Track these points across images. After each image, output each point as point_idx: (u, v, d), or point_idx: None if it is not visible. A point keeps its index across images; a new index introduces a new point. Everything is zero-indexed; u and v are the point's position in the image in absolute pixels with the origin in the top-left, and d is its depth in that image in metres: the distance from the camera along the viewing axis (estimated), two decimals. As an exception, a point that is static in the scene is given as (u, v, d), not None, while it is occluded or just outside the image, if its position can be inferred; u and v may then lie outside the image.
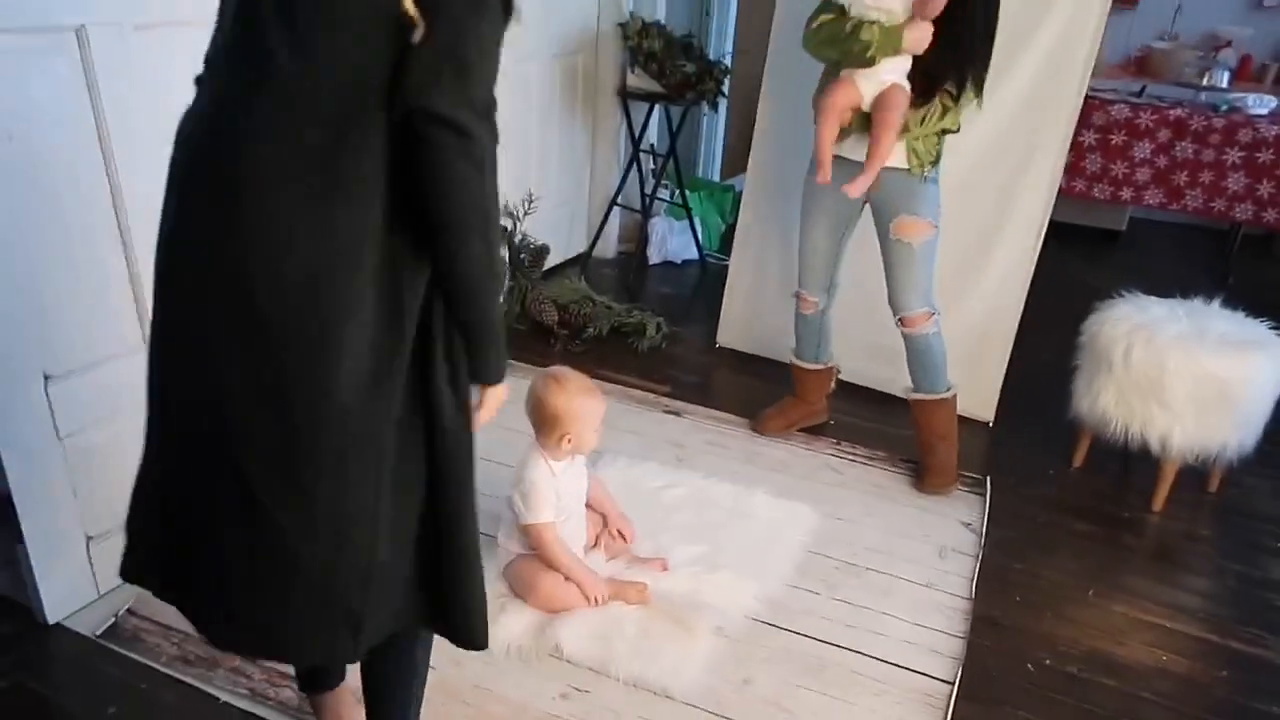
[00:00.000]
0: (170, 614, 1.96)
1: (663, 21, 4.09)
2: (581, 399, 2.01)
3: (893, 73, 2.28)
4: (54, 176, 1.76)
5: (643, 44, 3.87)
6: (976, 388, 2.95)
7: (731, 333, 3.52)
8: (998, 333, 2.98)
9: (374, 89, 1.06)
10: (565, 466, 2.05)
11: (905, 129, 2.34)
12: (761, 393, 3.09)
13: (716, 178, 5.30)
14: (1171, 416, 2.53)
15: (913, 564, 2.35)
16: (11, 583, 1.94)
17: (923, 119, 2.36)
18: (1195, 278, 4.28)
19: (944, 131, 2.41)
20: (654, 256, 4.40)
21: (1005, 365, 3.00)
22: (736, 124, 5.00)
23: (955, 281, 2.89)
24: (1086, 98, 2.86)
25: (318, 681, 1.66)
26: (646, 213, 4.26)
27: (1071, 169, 4.49)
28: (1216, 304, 2.78)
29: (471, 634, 1.36)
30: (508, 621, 1.99)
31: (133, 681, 1.82)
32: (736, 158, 4.78)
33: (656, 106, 4.12)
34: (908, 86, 2.30)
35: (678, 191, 4.34)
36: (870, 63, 2.26)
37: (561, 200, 4.16)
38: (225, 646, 1.40)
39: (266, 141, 1.07)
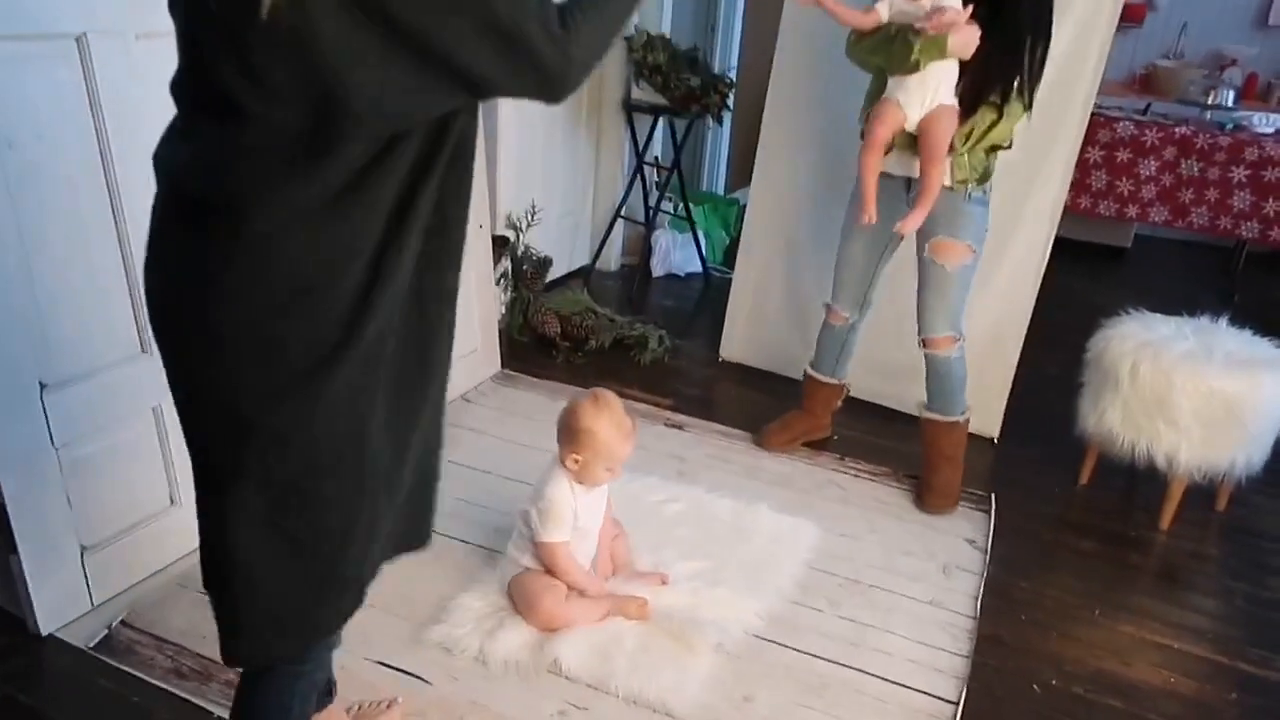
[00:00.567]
0: (164, 626, 1.95)
1: (668, 35, 4.10)
2: (609, 431, 1.96)
3: (940, 83, 2.19)
4: (53, 184, 1.75)
5: (648, 57, 3.87)
6: (982, 403, 2.92)
7: (734, 346, 3.51)
8: (1003, 348, 2.96)
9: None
10: (586, 489, 2.02)
11: (950, 147, 2.25)
12: (764, 407, 3.07)
13: (721, 191, 5.30)
14: (1178, 434, 2.51)
15: (916, 581, 2.32)
16: (4, 593, 1.92)
17: (969, 134, 2.27)
18: (1200, 295, 4.27)
19: (994, 147, 2.32)
20: (657, 269, 4.39)
21: (1010, 381, 2.99)
22: (741, 137, 5.00)
23: (960, 297, 2.87)
24: (1092, 115, 2.85)
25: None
26: (650, 225, 4.26)
27: (1077, 186, 4.48)
28: (1223, 322, 2.76)
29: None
30: (506, 636, 1.96)
31: (125, 694, 1.80)
32: (741, 171, 4.78)
33: (661, 119, 4.12)
34: (955, 104, 2.21)
35: (682, 204, 4.33)
36: (915, 68, 2.16)
37: (565, 212, 4.16)
38: None
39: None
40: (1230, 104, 4.88)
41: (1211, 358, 2.52)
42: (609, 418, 1.97)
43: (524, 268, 3.53)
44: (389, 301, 1.13)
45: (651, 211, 4.23)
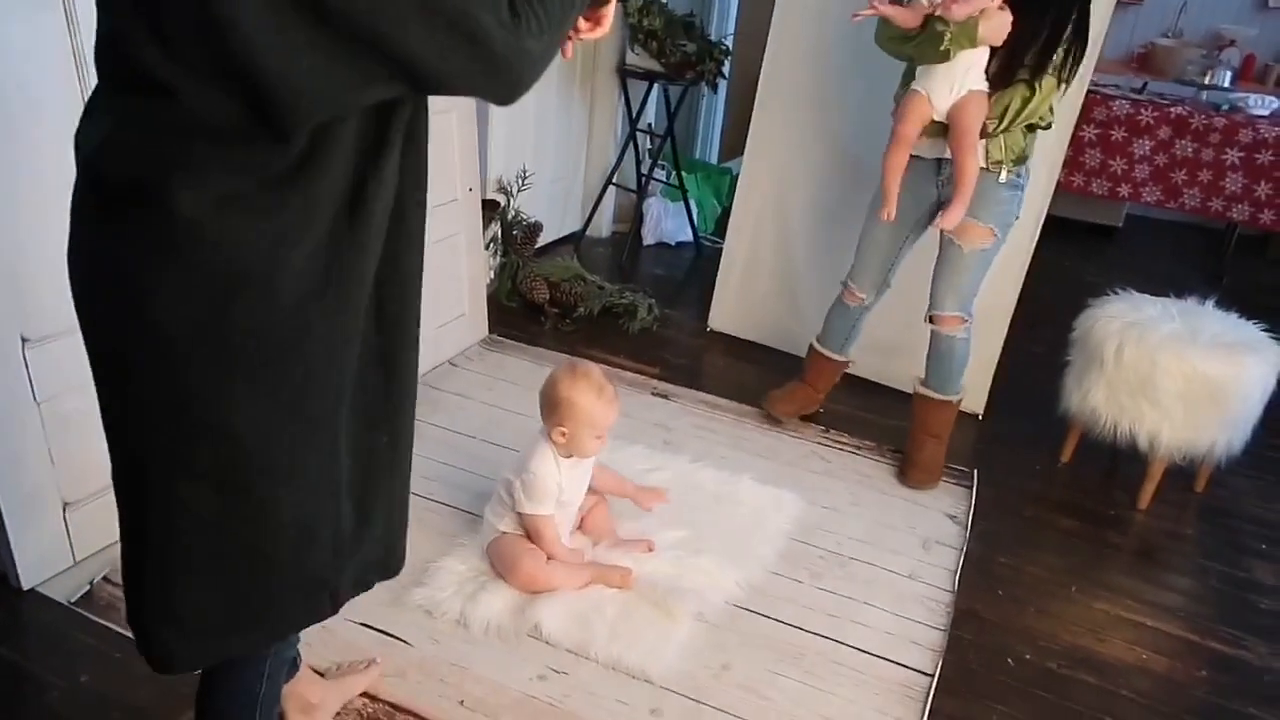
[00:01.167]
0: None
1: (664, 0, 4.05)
2: (589, 398, 1.95)
3: (969, 69, 2.14)
4: (34, 135, 1.72)
5: (643, 22, 3.82)
6: (967, 380, 2.92)
7: (723, 317, 3.50)
8: (991, 325, 2.96)
9: None
10: (573, 463, 2.02)
11: (984, 131, 2.21)
12: (752, 377, 3.08)
13: (714, 160, 5.27)
14: (1161, 415, 2.53)
15: (896, 555, 2.34)
16: (-14, 547, 1.92)
17: (1003, 113, 2.21)
18: (1189, 276, 4.28)
19: (1032, 126, 2.27)
20: (648, 237, 4.37)
21: (997, 358, 2.99)
22: (736, 106, 4.96)
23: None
24: (1088, 92, 2.83)
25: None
26: (642, 193, 4.23)
27: (1071, 164, 4.47)
28: (1210, 304, 2.77)
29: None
30: (487, 600, 1.97)
31: (106, 649, 1.80)
32: (735, 140, 4.74)
33: (655, 86, 4.08)
34: (985, 88, 2.17)
35: (674, 172, 4.30)
36: (945, 58, 2.13)
37: (556, 177, 4.12)
38: None
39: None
40: (1227, 84, 4.86)
41: (1196, 340, 2.53)
42: (587, 385, 1.96)
43: (514, 232, 3.51)
44: (344, 291, 1.06)
45: (644, 179, 4.20)
